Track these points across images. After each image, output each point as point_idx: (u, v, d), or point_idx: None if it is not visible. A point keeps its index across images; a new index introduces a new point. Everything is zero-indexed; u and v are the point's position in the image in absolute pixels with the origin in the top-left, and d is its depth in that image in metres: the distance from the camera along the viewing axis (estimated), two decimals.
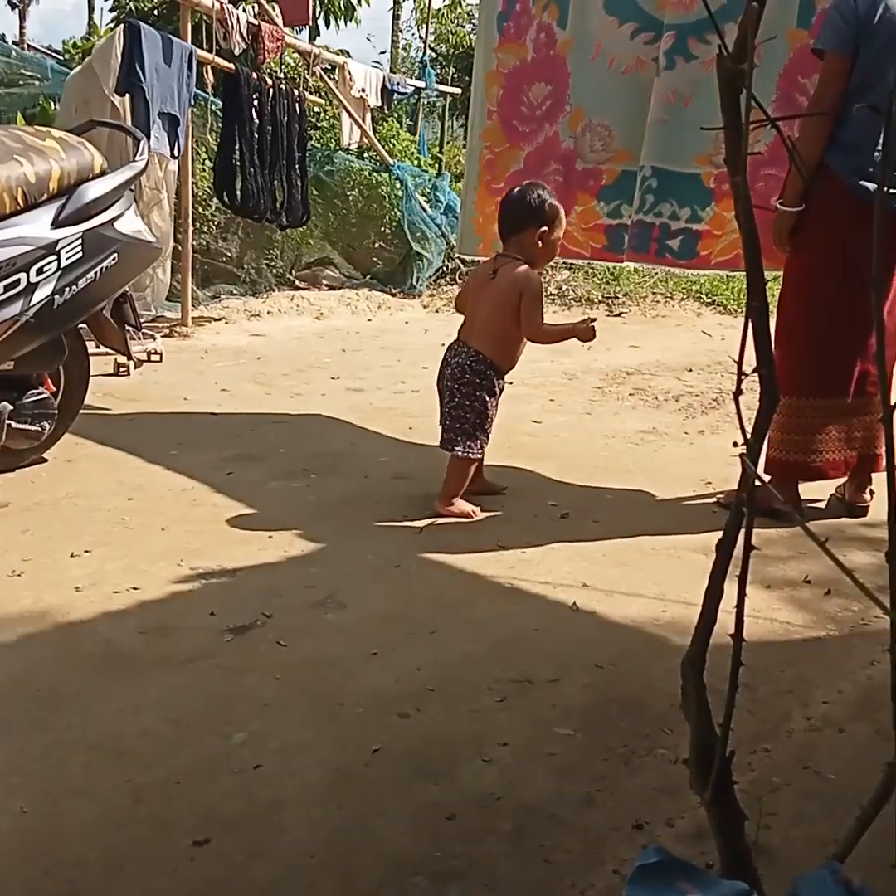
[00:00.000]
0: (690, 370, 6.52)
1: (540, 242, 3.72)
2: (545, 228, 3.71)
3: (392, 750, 2.22)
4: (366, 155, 9.81)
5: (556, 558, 3.40)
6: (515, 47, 4.70)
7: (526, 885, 1.82)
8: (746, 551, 1.07)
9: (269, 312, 8.16)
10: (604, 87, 4.52)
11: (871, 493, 3.93)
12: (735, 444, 1.10)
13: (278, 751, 2.20)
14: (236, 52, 7.40)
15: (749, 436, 1.05)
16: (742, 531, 1.13)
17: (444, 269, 9.68)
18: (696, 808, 1.92)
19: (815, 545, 3.57)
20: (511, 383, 6.04)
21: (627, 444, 4.87)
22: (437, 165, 11.19)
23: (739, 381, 1.00)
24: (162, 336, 6.78)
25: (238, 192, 7.43)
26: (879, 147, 3.46)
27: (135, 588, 3.02)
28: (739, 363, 0.99)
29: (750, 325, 1.16)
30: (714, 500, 4.04)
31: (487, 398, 3.76)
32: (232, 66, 7.33)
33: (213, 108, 7.92)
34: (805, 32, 4.11)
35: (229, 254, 8.69)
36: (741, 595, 1.13)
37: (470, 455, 3.75)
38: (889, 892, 1.17)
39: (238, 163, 7.37)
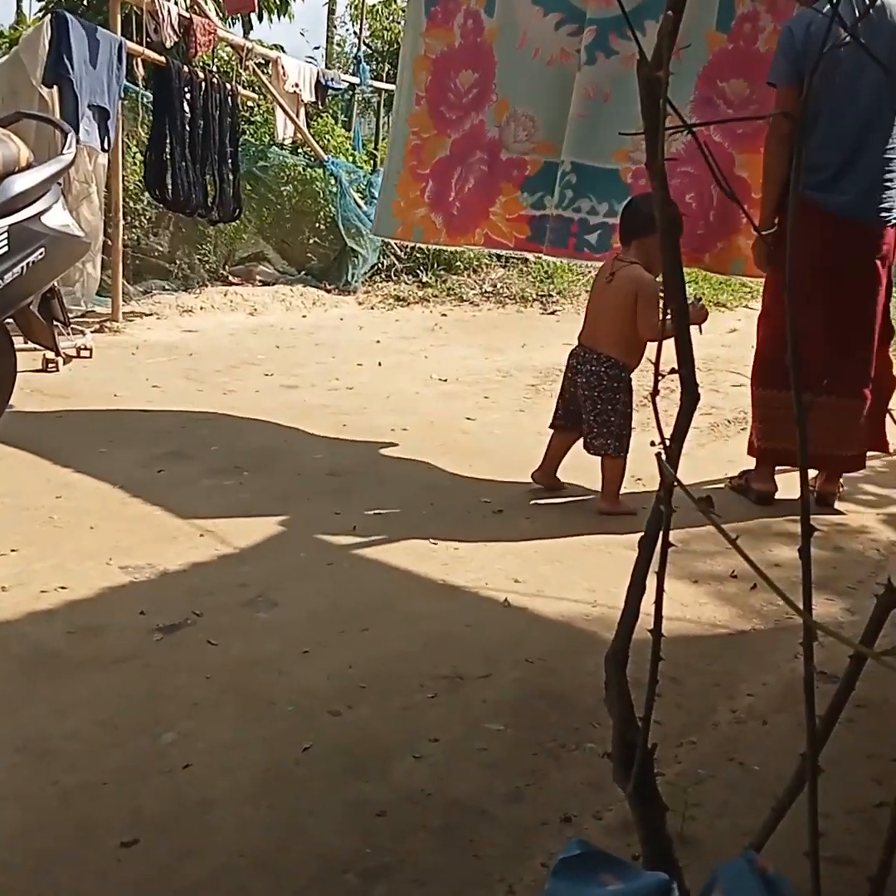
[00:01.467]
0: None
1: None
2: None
3: (323, 748, 2.23)
4: (300, 150, 9.76)
5: (489, 555, 3.42)
6: (443, 33, 4.68)
7: (455, 880, 1.83)
8: (664, 549, 1.09)
9: (201, 308, 8.08)
10: (529, 77, 4.51)
11: (841, 486, 4.13)
12: (652, 444, 1.13)
13: (208, 750, 2.19)
14: (168, 44, 7.30)
15: (667, 436, 1.07)
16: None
17: (380, 265, 9.65)
18: (624, 801, 1.95)
19: (743, 540, 3.62)
20: (445, 380, 6.09)
21: None
22: (372, 162, 11.15)
23: (656, 382, 1.02)
24: (92, 332, 6.68)
25: (169, 187, 7.35)
26: (840, 165, 3.72)
27: (63, 587, 2.98)
28: (656, 363, 1.01)
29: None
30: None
31: (626, 399, 3.89)
32: (163, 59, 7.23)
33: (144, 101, 7.81)
34: (724, 36, 4.17)
35: (161, 249, 8.59)
36: (659, 592, 1.15)
37: (622, 454, 3.89)
38: (803, 879, 1.20)
39: (169, 157, 7.28)
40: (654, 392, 1.06)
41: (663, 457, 1.07)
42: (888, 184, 3.75)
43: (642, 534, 1.34)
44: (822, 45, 3.48)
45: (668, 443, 1.10)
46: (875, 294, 3.87)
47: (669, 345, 1.17)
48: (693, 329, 3.55)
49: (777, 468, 4.14)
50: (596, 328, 3.92)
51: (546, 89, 4.50)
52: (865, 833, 1.97)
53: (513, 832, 1.98)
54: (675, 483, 1.09)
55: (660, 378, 1.05)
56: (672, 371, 1.07)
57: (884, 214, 3.78)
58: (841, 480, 4.13)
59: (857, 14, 3.59)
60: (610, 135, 4.18)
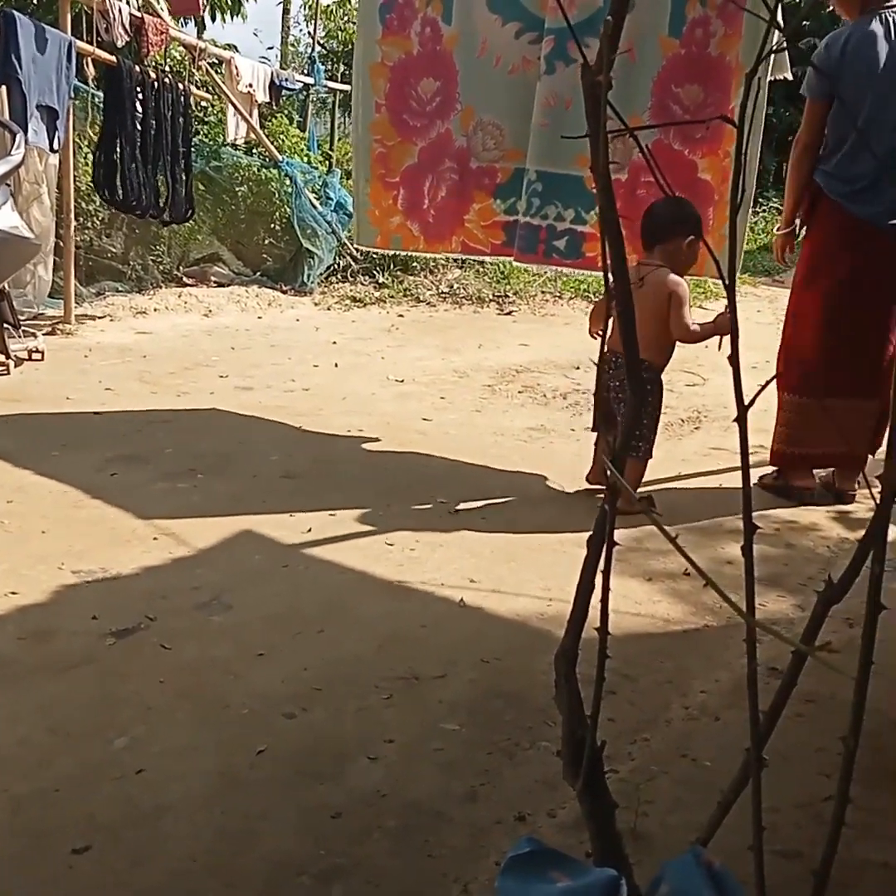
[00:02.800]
0: (578, 368, 6.62)
1: (687, 249, 3.91)
2: (692, 237, 3.88)
3: (277, 751, 2.22)
4: (254, 151, 9.71)
5: (445, 555, 3.43)
6: (400, 40, 4.67)
7: (409, 881, 1.84)
8: (609, 548, 1.10)
9: (155, 310, 8.01)
10: (492, 85, 4.52)
11: (858, 483, 4.24)
12: (596, 444, 1.14)
13: (161, 755, 2.18)
14: (119, 44, 7.24)
15: (615, 437, 1.08)
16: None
17: (336, 266, 9.62)
18: (577, 799, 1.97)
19: (696, 538, 3.65)
20: (401, 381, 6.09)
21: (516, 442, 4.93)
22: (327, 162, 11.12)
23: (599, 380, 1.03)
24: (43, 334, 6.60)
25: (119, 188, 7.28)
26: (872, 178, 3.93)
27: (14, 592, 2.95)
28: (599, 365, 1.02)
29: (618, 327, 1.20)
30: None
31: (656, 401, 3.96)
32: (114, 58, 7.17)
33: (95, 101, 7.73)
34: (676, 41, 4.21)
35: (114, 250, 8.51)
36: (605, 590, 1.16)
37: (646, 458, 3.94)
38: (750, 873, 1.22)
39: (119, 157, 7.22)
40: (597, 392, 1.07)
41: (606, 457, 1.08)
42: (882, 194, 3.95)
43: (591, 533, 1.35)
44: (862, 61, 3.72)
45: (613, 442, 1.11)
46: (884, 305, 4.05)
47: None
48: (713, 341, 3.56)
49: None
50: None
51: (510, 98, 4.52)
52: (813, 827, 2.00)
53: (468, 832, 1.99)
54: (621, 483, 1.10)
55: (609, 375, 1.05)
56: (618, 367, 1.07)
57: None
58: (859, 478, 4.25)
59: (893, 33, 3.80)
60: (572, 142, 4.20)
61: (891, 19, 3.86)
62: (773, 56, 3.96)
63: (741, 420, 1.01)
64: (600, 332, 4.21)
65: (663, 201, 3.92)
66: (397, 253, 9.43)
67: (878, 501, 1.07)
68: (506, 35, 4.43)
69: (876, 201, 3.93)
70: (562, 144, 4.30)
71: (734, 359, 1.05)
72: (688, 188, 4.28)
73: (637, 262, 3.98)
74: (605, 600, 1.18)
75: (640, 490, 3.95)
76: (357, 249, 9.10)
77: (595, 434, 4.15)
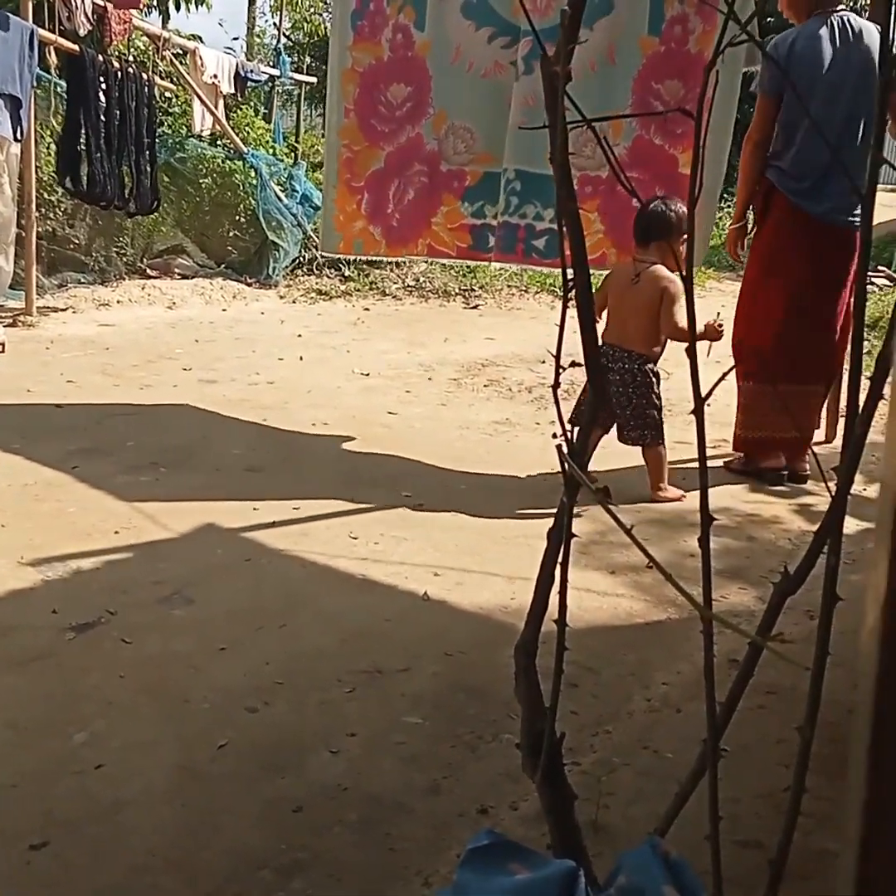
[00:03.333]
0: (543, 362, 6.61)
1: (681, 248, 3.96)
2: (685, 236, 3.86)
3: (239, 745, 2.21)
4: (219, 142, 9.63)
5: (409, 549, 3.43)
6: (371, 46, 4.69)
7: (371, 874, 1.83)
8: (567, 541, 1.10)
9: (118, 302, 7.94)
10: (464, 90, 4.58)
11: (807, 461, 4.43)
12: (554, 436, 1.14)
13: (121, 750, 2.16)
14: (81, 33, 7.15)
15: (569, 429, 1.08)
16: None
17: (301, 259, 9.56)
18: None
19: (658, 530, 3.67)
20: (367, 375, 6.08)
21: (482, 435, 4.93)
22: (293, 154, 11.05)
23: (557, 374, 1.03)
24: (4, 326, 6.53)
25: (83, 178, 7.20)
26: (817, 178, 4.11)
27: None
28: (557, 356, 1.02)
29: (578, 322, 1.20)
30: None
31: (657, 390, 4.08)
32: (76, 47, 7.08)
33: (58, 90, 7.64)
34: (655, 39, 4.28)
35: (77, 241, 8.41)
36: (563, 582, 1.16)
37: (660, 441, 4.08)
38: (704, 862, 1.23)
39: (83, 147, 7.14)
40: (556, 384, 1.07)
41: (564, 449, 1.08)
42: (832, 187, 4.10)
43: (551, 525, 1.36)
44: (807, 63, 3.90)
45: (570, 435, 1.11)
46: (843, 291, 4.22)
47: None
48: (701, 346, 3.62)
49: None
50: (624, 327, 4.04)
51: (482, 102, 4.58)
52: (773, 817, 2.01)
53: (430, 824, 1.99)
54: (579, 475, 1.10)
55: (561, 371, 1.06)
56: (573, 364, 1.08)
57: (855, 221, 4.12)
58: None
59: (838, 36, 4.00)
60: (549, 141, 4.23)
61: (836, 22, 4.03)
62: (741, 52, 4.02)
63: (698, 413, 1.02)
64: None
65: (659, 200, 4.02)
66: None
67: (833, 494, 1.08)
68: (479, 40, 4.47)
69: (823, 199, 4.10)
70: (541, 144, 4.31)
71: (691, 352, 1.05)
72: (669, 182, 4.34)
73: (632, 258, 4.07)
74: (563, 593, 1.18)
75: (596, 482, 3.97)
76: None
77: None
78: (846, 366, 4.42)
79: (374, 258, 5.87)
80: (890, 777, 0.46)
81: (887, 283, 10.14)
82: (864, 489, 3.86)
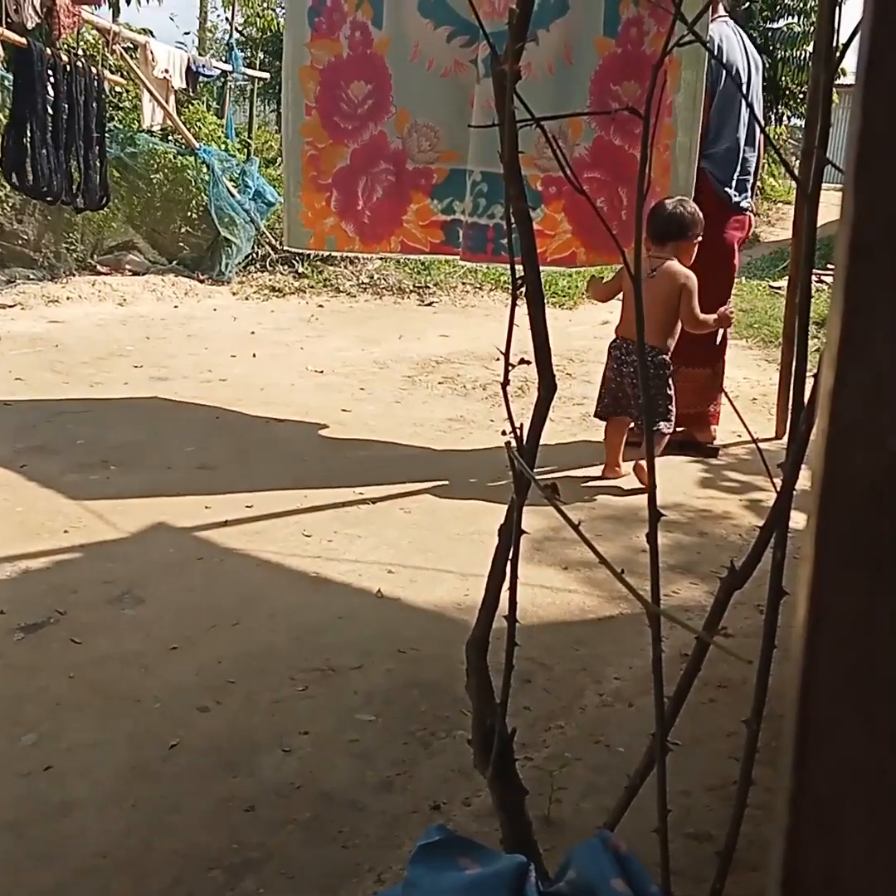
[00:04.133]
0: (498, 359, 6.56)
1: (694, 246, 4.25)
2: (700, 235, 4.23)
3: (190, 744, 2.20)
4: (171, 137, 9.55)
5: (362, 547, 3.42)
6: (329, 43, 4.67)
7: (324, 872, 1.83)
8: (516, 537, 1.10)
9: (68, 298, 7.84)
10: (425, 88, 4.56)
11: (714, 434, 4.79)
12: (503, 433, 1.14)
13: (70, 750, 2.14)
14: (29, 25, 7.05)
15: (517, 426, 1.09)
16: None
17: (254, 255, 9.49)
18: None
19: (612, 526, 3.68)
20: (321, 372, 6.06)
21: (436, 432, 4.93)
22: (245, 150, 10.98)
23: (507, 372, 1.03)
24: None
25: (29, 173, 7.11)
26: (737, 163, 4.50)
27: None
28: (507, 354, 1.02)
29: (528, 317, 1.20)
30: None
31: (670, 381, 4.22)
32: (24, 40, 6.99)
33: (5, 83, 7.53)
34: (612, 41, 4.30)
35: (26, 236, 8.29)
36: (513, 578, 1.17)
37: (668, 430, 4.22)
38: (653, 855, 1.24)
39: (29, 142, 7.04)
40: (505, 382, 1.07)
41: (513, 446, 1.09)
42: (745, 178, 4.50)
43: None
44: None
45: (518, 433, 1.12)
46: (732, 271, 4.59)
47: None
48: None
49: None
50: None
51: (444, 100, 4.56)
52: (723, 809, 2.03)
53: (383, 822, 1.99)
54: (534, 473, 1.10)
55: (511, 368, 1.06)
56: (523, 361, 1.08)
57: (744, 203, 4.51)
58: (712, 428, 4.77)
59: (739, 41, 4.38)
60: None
61: (734, 27, 4.40)
62: (702, 53, 4.07)
63: (647, 411, 1.02)
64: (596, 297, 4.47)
65: (674, 201, 4.21)
66: None
67: (778, 489, 1.09)
68: (438, 39, 4.46)
69: (741, 188, 4.50)
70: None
71: (640, 351, 1.06)
72: (630, 182, 4.38)
73: (647, 254, 4.19)
74: (512, 589, 1.19)
75: (544, 478, 4.00)
76: (276, 238, 9.02)
77: (603, 423, 4.41)
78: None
79: (336, 254, 5.85)
80: (815, 769, 0.46)
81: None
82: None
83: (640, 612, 3.04)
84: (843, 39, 1.00)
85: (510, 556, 1.20)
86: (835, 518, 0.44)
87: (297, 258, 9.34)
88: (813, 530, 0.43)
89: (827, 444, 0.45)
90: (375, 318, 8.22)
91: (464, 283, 9.56)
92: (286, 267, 9.42)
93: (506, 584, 1.35)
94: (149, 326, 7.25)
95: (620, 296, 4.40)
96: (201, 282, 8.92)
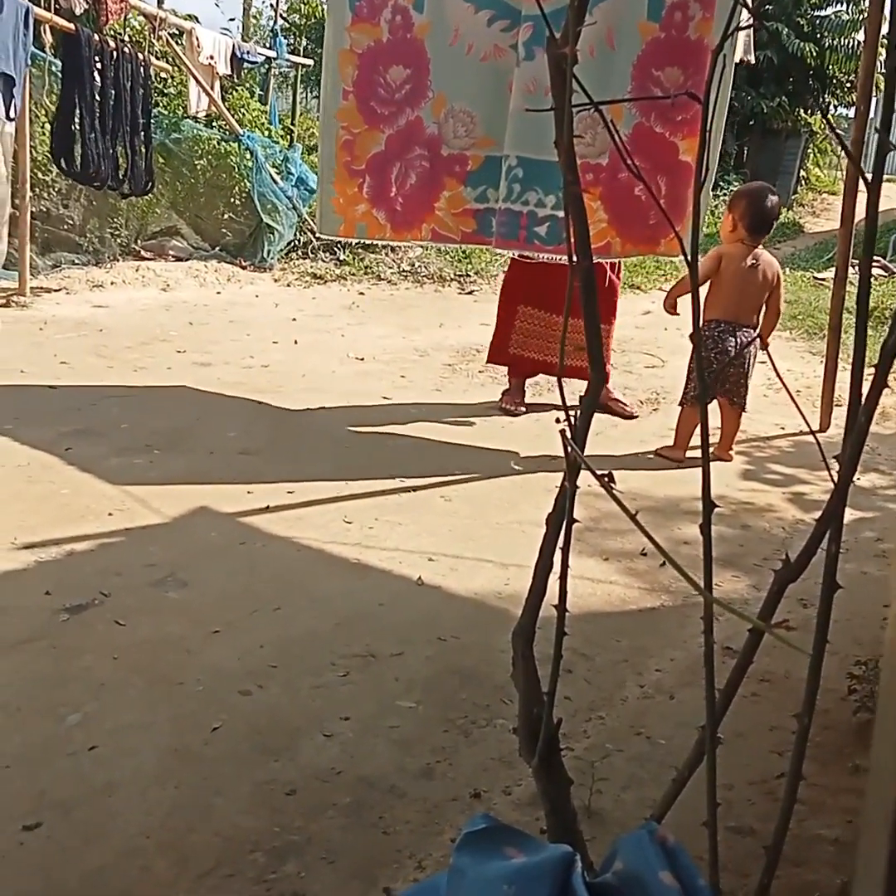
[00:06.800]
0: None
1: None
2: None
3: (232, 728, 2.21)
4: (215, 124, 9.57)
5: (403, 534, 3.42)
6: (369, 28, 4.65)
7: (364, 857, 1.83)
8: (568, 526, 1.09)
9: (112, 283, 7.89)
10: (464, 73, 4.53)
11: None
12: (557, 421, 1.13)
13: (114, 732, 2.16)
14: (77, 11, 7.09)
15: (573, 414, 1.08)
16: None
17: (296, 242, 9.51)
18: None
19: (653, 518, 3.66)
20: (362, 359, 6.06)
21: (476, 420, 4.92)
22: (288, 137, 10.98)
23: (562, 359, 1.02)
24: None
25: (77, 158, 7.16)
26: None
27: None
28: (562, 343, 1.01)
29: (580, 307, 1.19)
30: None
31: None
32: (72, 26, 7.02)
33: (53, 69, 7.58)
34: (656, 25, 4.23)
35: (71, 221, 8.35)
36: (564, 567, 1.16)
37: (745, 406, 4.57)
38: (701, 848, 1.23)
39: (78, 127, 7.09)
40: (561, 371, 1.06)
41: (568, 434, 1.08)
42: None
43: (550, 511, 1.35)
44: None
45: (573, 420, 1.11)
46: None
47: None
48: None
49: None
50: (740, 305, 4.51)
51: (482, 85, 4.52)
52: (766, 803, 2.02)
53: (423, 808, 1.99)
54: (582, 461, 1.09)
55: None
56: (577, 348, 1.07)
57: None
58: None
59: None
60: (552, 127, 4.20)
61: None
62: (740, 37, 3.99)
63: (702, 402, 1.01)
64: (674, 309, 4.69)
65: (773, 197, 4.48)
66: None
67: (835, 482, 1.07)
68: (478, 23, 4.43)
69: None
70: (542, 131, 4.29)
71: (696, 338, 1.05)
72: (670, 170, 4.32)
73: (749, 247, 4.48)
74: (563, 578, 1.18)
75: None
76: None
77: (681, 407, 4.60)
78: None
79: (370, 242, 5.81)
80: None
81: (882, 272, 10.14)
82: (859, 479, 3.87)
83: (682, 604, 3.02)
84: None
85: (560, 545, 1.19)
86: None
87: (338, 245, 9.35)
88: None
89: None
90: (416, 305, 8.21)
91: (503, 272, 9.52)
92: (328, 254, 9.43)
93: (554, 573, 1.34)
94: (191, 312, 7.29)
95: (708, 282, 4.56)
96: (244, 268, 8.95)
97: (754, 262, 4.48)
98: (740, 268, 4.48)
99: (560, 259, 4.45)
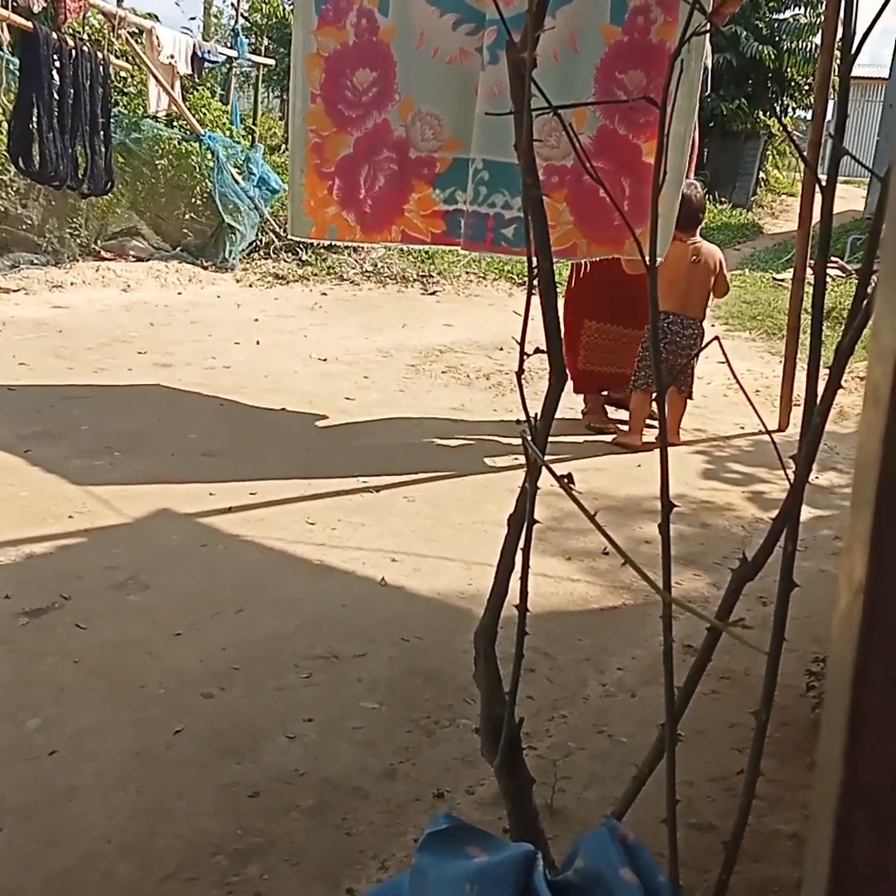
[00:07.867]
0: (501, 349, 6.62)
1: None
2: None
3: (195, 730, 2.20)
4: (175, 123, 9.52)
5: (366, 534, 3.42)
6: (335, 31, 4.65)
7: (327, 858, 1.84)
8: (529, 527, 1.10)
9: (72, 284, 7.83)
10: (430, 76, 4.54)
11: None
12: (517, 423, 1.14)
13: (75, 736, 2.14)
14: (35, 9, 7.03)
15: (535, 415, 1.09)
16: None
17: (258, 242, 9.48)
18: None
19: (613, 517, 3.68)
20: (324, 360, 6.05)
21: (439, 421, 4.93)
22: (250, 137, 10.94)
23: (522, 361, 1.03)
24: None
25: (36, 158, 7.09)
26: None
27: None
28: (522, 344, 1.02)
29: (539, 307, 1.20)
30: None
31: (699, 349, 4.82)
32: (30, 24, 6.96)
33: (11, 68, 7.50)
34: (619, 29, 4.27)
35: (30, 221, 8.27)
36: (525, 568, 1.17)
37: (691, 393, 4.84)
38: (661, 845, 1.24)
39: (36, 126, 7.03)
40: (520, 371, 1.07)
41: (528, 436, 1.09)
42: None
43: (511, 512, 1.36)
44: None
45: (534, 422, 1.12)
46: None
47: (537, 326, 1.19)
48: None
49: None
50: (686, 298, 4.74)
51: (448, 88, 4.54)
52: (725, 800, 2.04)
53: (386, 809, 1.99)
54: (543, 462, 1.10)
55: (525, 357, 1.06)
56: (538, 350, 1.08)
57: None
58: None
59: None
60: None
61: None
62: (705, 41, 4.02)
63: (660, 402, 1.02)
64: None
65: (688, 189, 4.59)
66: None
67: (791, 481, 1.09)
68: (443, 26, 4.44)
69: None
70: (507, 134, 4.29)
71: (653, 345, 1.06)
72: (634, 172, 4.35)
73: (690, 241, 4.68)
74: (524, 578, 1.19)
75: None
76: (280, 225, 9.00)
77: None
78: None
79: (338, 243, 5.80)
80: (867, 763, 0.46)
81: (840, 273, 10.26)
82: (817, 478, 3.91)
83: (643, 603, 3.04)
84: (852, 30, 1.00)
85: (521, 545, 1.19)
86: (892, 510, 0.44)
87: (300, 246, 9.32)
88: (869, 523, 0.42)
89: (885, 436, 0.45)
90: (379, 306, 8.20)
91: (467, 273, 9.54)
92: (290, 254, 9.41)
93: (516, 573, 1.35)
94: (152, 313, 7.24)
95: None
96: (205, 268, 8.90)
97: (696, 257, 4.74)
98: (682, 264, 4.68)
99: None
